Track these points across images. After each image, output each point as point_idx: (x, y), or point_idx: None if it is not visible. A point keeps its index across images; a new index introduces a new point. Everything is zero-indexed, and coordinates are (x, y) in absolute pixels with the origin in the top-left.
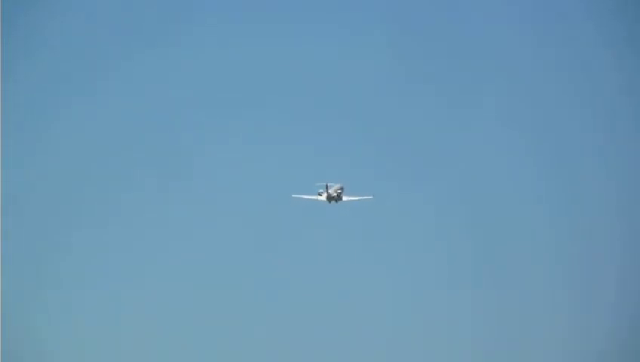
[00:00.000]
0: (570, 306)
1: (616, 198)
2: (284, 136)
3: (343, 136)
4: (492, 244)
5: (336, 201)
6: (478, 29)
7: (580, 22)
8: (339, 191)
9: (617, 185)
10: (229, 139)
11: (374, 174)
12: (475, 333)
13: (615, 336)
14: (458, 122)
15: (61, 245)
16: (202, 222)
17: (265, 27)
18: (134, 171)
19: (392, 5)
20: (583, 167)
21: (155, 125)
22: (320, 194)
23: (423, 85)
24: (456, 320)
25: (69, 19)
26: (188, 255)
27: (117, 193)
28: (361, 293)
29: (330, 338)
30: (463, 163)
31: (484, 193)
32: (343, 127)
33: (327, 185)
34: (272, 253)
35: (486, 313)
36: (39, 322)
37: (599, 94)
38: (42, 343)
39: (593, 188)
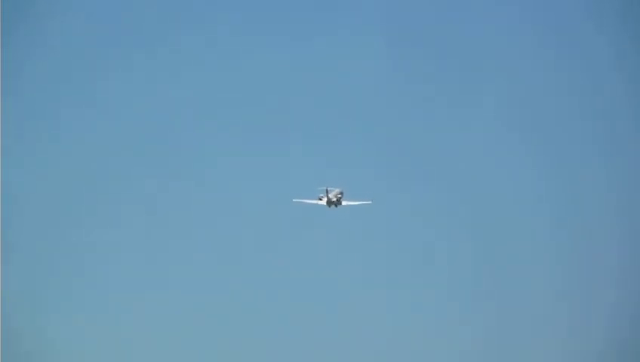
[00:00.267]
0: (570, 307)
1: (616, 199)
2: (286, 142)
3: (343, 141)
4: (492, 246)
5: (336, 206)
6: (478, 31)
7: (580, 22)
8: (339, 195)
9: (617, 185)
10: (231, 145)
11: (374, 179)
12: (475, 335)
13: (615, 338)
14: (459, 125)
15: (62, 245)
16: (204, 225)
17: (268, 31)
18: (136, 174)
19: (392, 8)
20: (583, 168)
21: (158, 128)
22: (320, 199)
23: (424, 89)
24: (456, 322)
25: (70, 19)
26: (189, 258)
27: (119, 194)
28: (362, 296)
29: (330, 341)
30: (464, 166)
31: (485, 196)
32: (343, 133)
33: (327, 190)
34: (274, 255)
35: (487, 315)
36: (40, 322)
37: (599, 94)
38: (42, 343)
39: (593, 189)
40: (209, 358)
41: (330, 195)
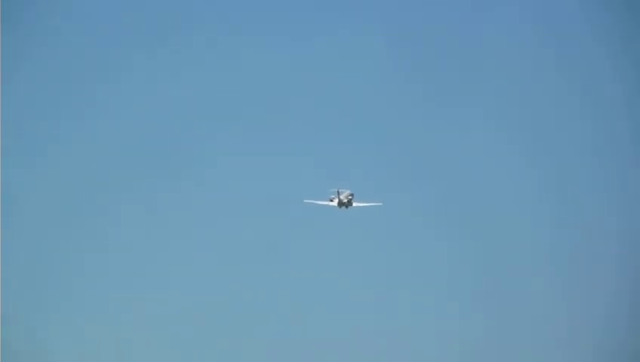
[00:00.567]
0: (570, 307)
1: (616, 200)
2: (287, 143)
3: (347, 143)
4: (495, 246)
5: (347, 207)
6: (480, 31)
7: (580, 22)
8: (349, 197)
9: (617, 187)
10: (239, 146)
11: (385, 181)
12: (478, 335)
13: (614, 341)
14: (463, 126)
15: (62, 246)
16: (212, 226)
17: (270, 31)
18: (143, 175)
19: (392, 8)
20: (584, 170)
21: (164, 129)
22: (331, 200)
23: (428, 89)
24: (459, 321)
25: (72, 20)
26: (199, 260)
27: (124, 196)
28: (368, 296)
29: (334, 342)
30: (469, 167)
31: (489, 197)
32: (347, 134)
33: (338, 191)
34: (286, 255)
35: (489, 315)
36: (40, 324)
37: (599, 96)
38: (42, 345)
39: (593, 190)
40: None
41: (341, 197)
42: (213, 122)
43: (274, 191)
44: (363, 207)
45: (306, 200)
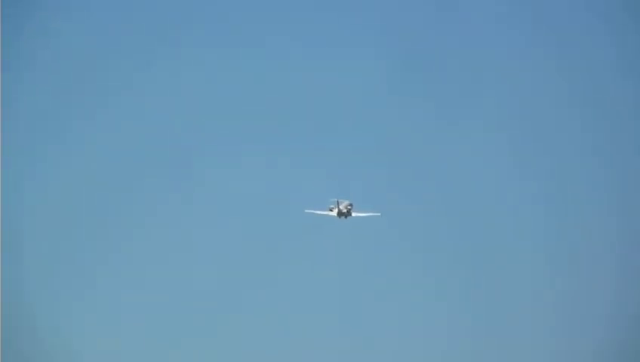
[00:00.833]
0: (571, 318)
1: (615, 212)
2: (297, 156)
3: (354, 154)
4: (496, 255)
5: (346, 217)
6: (479, 41)
7: (577, 25)
8: (348, 207)
9: (619, 199)
10: (246, 160)
11: (384, 191)
12: (476, 345)
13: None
14: (466, 136)
15: (64, 249)
16: (217, 234)
17: (275, 39)
18: (143, 183)
19: (390, 22)
20: (585, 182)
21: (166, 138)
22: (331, 210)
23: (432, 101)
24: (457, 329)
25: (75, 21)
26: (199, 268)
27: (125, 204)
28: (370, 305)
29: (335, 350)
30: (470, 176)
31: (491, 205)
32: (355, 146)
33: (337, 202)
34: (285, 262)
35: (490, 322)
36: (40, 327)
37: (599, 100)
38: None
39: (594, 200)
40: None
41: (340, 207)
42: (214, 130)
43: (275, 200)
44: (362, 217)
45: (306, 210)
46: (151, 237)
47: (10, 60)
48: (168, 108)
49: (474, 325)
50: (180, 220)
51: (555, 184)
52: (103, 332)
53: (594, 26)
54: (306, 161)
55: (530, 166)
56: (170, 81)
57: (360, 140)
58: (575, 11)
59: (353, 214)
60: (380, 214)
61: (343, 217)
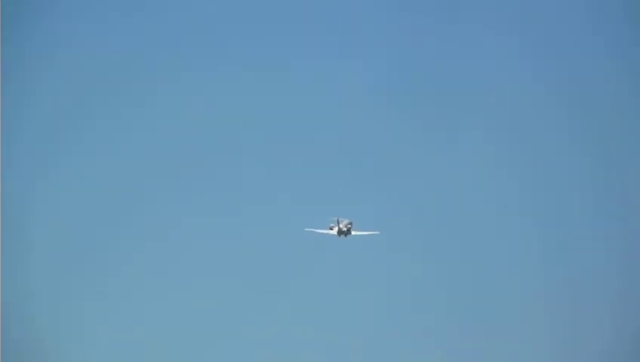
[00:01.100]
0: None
1: (615, 222)
2: (297, 178)
3: (354, 177)
4: (496, 273)
5: (346, 235)
6: (479, 71)
7: (565, 29)
8: (348, 226)
9: (616, 207)
10: (249, 178)
11: (383, 210)
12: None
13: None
14: (463, 156)
15: (66, 250)
16: (219, 254)
17: (274, 67)
18: (144, 197)
19: (389, 42)
20: (585, 200)
21: (169, 158)
22: (331, 229)
23: (429, 122)
24: (460, 348)
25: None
26: (199, 284)
27: (126, 220)
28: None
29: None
30: (468, 197)
31: (489, 225)
32: (354, 168)
33: (337, 220)
34: (286, 279)
35: (490, 341)
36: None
37: (602, 143)
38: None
39: (590, 211)
40: None
41: (340, 225)
42: (216, 148)
43: (276, 219)
44: (361, 235)
45: (306, 229)
46: (151, 252)
47: (11, 70)
48: (174, 125)
49: (474, 339)
50: (182, 238)
51: (556, 197)
52: (106, 344)
53: (584, 28)
54: (307, 180)
55: (531, 176)
56: (176, 99)
57: (360, 160)
58: (563, 11)
59: (353, 233)
60: (379, 232)
61: (342, 235)
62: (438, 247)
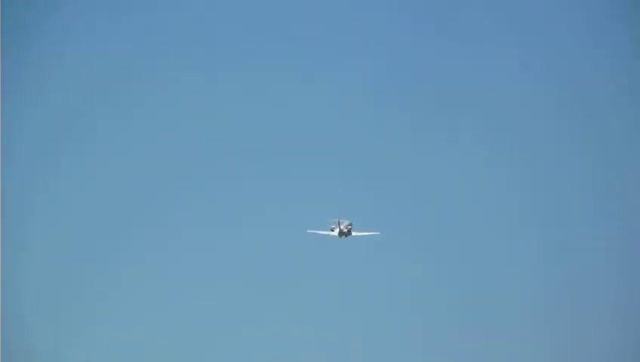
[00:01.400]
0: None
1: (615, 222)
2: (298, 181)
3: (354, 178)
4: (493, 274)
5: (346, 236)
6: (474, 77)
7: (559, 34)
8: (349, 227)
9: (616, 208)
10: (249, 184)
11: (382, 211)
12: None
13: None
14: (461, 158)
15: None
16: (221, 258)
17: (276, 70)
18: (145, 201)
19: (384, 48)
20: (581, 204)
21: (170, 158)
22: (332, 230)
23: (426, 123)
24: (460, 349)
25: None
26: (202, 290)
27: (130, 221)
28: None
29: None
30: (466, 195)
31: (486, 226)
32: (353, 168)
33: (338, 221)
34: (288, 282)
35: (493, 339)
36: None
37: (598, 132)
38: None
39: (589, 212)
40: None
41: (341, 226)
42: (217, 154)
43: (278, 221)
44: (361, 236)
45: (309, 231)
46: (151, 251)
47: (11, 71)
48: (175, 125)
49: (474, 339)
50: (183, 239)
51: (556, 197)
52: (106, 344)
53: (583, 28)
54: (308, 181)
55: (531, 177)
56: (176, 100)
57: (361, 161)
58: (562, 11)
59: (353, 233)
60: (379, 233)
61: (343, 236)
62: (438, 247)
